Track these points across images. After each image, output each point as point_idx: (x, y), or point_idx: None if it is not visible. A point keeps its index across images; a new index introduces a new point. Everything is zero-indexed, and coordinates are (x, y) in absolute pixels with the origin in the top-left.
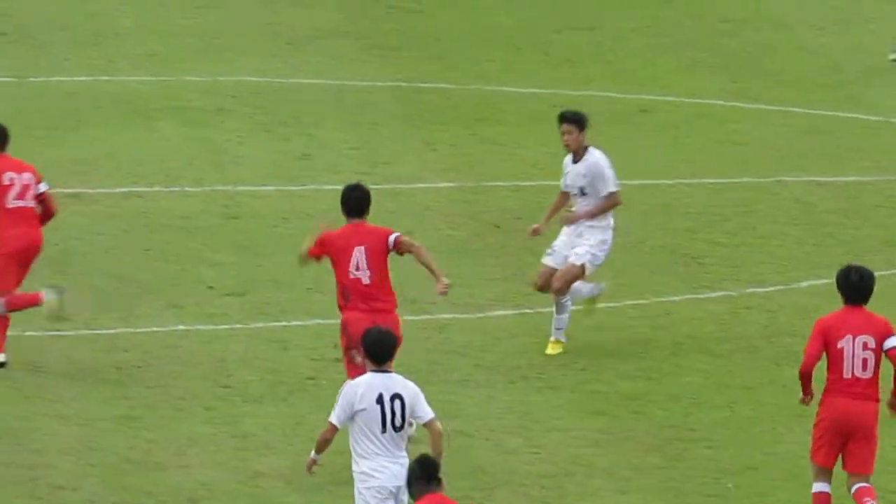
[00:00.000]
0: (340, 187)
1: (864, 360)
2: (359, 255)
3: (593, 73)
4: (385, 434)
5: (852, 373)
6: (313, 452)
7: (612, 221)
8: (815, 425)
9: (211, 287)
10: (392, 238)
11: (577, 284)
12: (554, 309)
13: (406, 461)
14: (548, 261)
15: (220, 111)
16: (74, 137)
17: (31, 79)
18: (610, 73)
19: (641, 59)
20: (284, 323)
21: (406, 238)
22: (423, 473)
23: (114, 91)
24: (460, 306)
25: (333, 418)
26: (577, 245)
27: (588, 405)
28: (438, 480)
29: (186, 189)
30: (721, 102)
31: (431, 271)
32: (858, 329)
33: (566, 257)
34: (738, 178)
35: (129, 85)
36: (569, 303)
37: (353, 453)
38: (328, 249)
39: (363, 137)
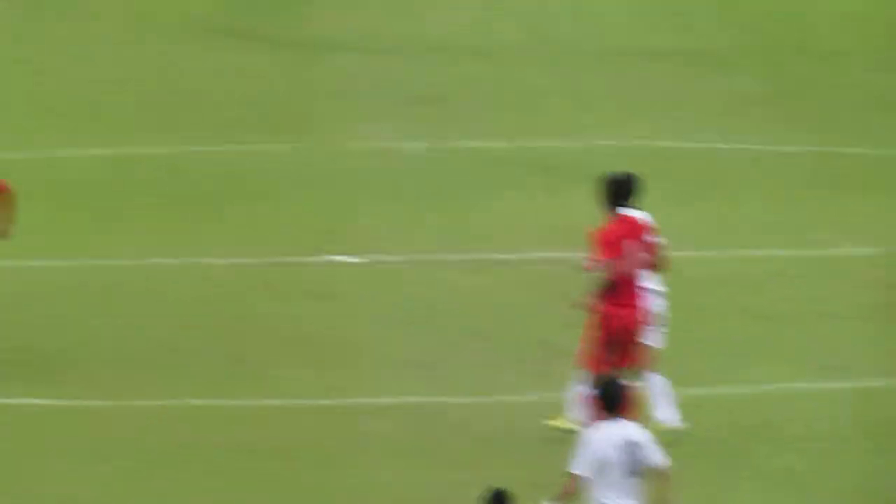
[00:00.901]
0: (758, 253)
1: None
2: (632, 249)
3: None
4: (621, 481)
5: None
6: None
7: None
8: None
9: None
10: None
11: None
12: None
13: None
14: None
15: None
16: (486, 203)
17: (443, 143)
18: None
19: None
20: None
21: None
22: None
23: (526, 156)
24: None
25: (577, 468)
26: None
27: None
28: None
29: None
30: None
31: None
32: None
33: None
34: None
35: (542, 150)
36: None
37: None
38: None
39: (782, 204)
